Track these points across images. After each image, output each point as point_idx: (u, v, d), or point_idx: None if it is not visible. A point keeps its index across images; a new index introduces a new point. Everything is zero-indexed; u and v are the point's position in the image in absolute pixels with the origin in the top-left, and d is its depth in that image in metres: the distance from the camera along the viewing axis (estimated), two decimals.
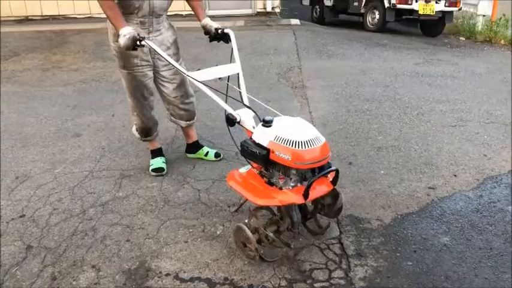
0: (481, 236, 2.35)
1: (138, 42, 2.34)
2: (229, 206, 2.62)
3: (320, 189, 2.07)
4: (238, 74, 2.42)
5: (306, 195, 1.94)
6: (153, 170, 3.03)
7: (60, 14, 9.55)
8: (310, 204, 2.32)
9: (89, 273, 2.11)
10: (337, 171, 2.08)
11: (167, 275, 2.09)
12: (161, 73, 2.80)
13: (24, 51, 6.80)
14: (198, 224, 2.47)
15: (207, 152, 3.24)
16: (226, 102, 2.24)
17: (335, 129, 3.80)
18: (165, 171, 3.04)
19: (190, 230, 2.42)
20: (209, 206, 2.64)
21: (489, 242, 2.30)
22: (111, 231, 2.43)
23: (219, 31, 2.67)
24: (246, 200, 2.17)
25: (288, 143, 1.92)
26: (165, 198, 2.74)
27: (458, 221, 2.48)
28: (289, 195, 1.99)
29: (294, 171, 2.02)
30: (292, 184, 2.04)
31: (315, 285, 2.01)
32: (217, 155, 3.23)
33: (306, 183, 2.01)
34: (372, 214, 2.55)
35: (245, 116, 2.17)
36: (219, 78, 2.34)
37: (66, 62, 6.27)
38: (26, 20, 9.46)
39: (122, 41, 2.33)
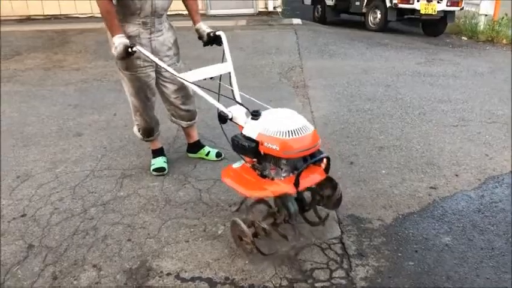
0: (482, 236, 2.35)
1: (129, 50, 2.40)
2: (230, 206, 2.62)
3: (313, 177, 2.09)
4: (230, 72, 2.46)
5: (296, 184, 1.97)
6: (155, 170, 3.03)
7: (61, 13, 9.56)
8: (309, 196, 2.32)
9: (90, 272, 2.11)
10: (328, 158, 2.10)
11: (168, 274, 2.09)
12: (163, 73, 2.80)
13: (26, 50, 6.81)
14: (199, 223, 2.47)
15: (208, 152, 3.24)
16: (218, 100, 2.27)
17: (336, 128, 3.80)
18: (167, 170, 3.04)
19: (192, 230, 2.42)
20: (210, 206, 2.64)
21: (491, 242, 2.29)
22: (112, 230, 2.43)
23: (211, 34, 2.73)
24: (246, 198, 2.18)
25: (276, 134, 1.96)
26: (167, 197, 2.74)
27: (460, 221, 2.48)
28: (281, 185, 2.02)
29: (284, 161, 2.05)
30: (284, 174, 2.07)
31: (316, 285, 2.00)
32: (218, 154, 3.23)
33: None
34: (373, 214, 2.54)
35: (237, 113, 2.19)
36: (211, 78, 2.38)
37: (67, 61, 6.28)
38: (28, 19, 9.48)
39: (115, 53, 2.43)
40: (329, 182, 2.24)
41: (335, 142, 3.50)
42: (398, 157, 3.26)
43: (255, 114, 2.07)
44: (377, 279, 2.04)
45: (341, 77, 5.38)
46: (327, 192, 2.29)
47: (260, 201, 2.17)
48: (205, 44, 2.79)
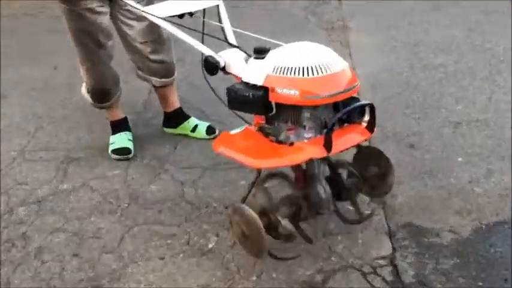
0: None
1: None
2: (226, 207, 2.63)
3: (351, 138, 2.08)
4: (218, 6, 2.50)
5: (328, 145, 1.92)
6: (115, 151, 3.06)
7: None
8: (345, 177, 2.31)
9: None
10: (372, 107, 2.07)
11: None
12: (124, 7, 2.78)
13: None
14: (180, 232, 2.49)
15: (196, 126, 3.25)
16: (202, 43, 2.30)
17: (390, 94, 3.79)
18: (132, 153, 3.08)
19: (169, 242, 2.44)
20: (197, 207, 2.66)
21: None
22: (50, 241, 2.46)
23: None
24: (256, 179, 2.16)
25: (293, 72, 1.94)
26: (132, 193, 2.77)
27: None
28: (305, 149, 1.99)
29: (307, 114, 2.03)
30: (308, 135, 2.05)
31: None
32: (210, 130, 3.23)
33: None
34: (443, 223, 2.54)
35: (232, 59, 2.21)
36: (190, 15, 2.41)
37: None
38: None
39: None
40: (377, 158, 2.26)
41: (388, 114, 3.49)
42: (482, 138, 3.24)
43: (260, 51, 2.07)
44: None
45: (399, 16, 5.34)
46: (374, 171, 2.28)
47: (274, 175, 2.16)
48: None
